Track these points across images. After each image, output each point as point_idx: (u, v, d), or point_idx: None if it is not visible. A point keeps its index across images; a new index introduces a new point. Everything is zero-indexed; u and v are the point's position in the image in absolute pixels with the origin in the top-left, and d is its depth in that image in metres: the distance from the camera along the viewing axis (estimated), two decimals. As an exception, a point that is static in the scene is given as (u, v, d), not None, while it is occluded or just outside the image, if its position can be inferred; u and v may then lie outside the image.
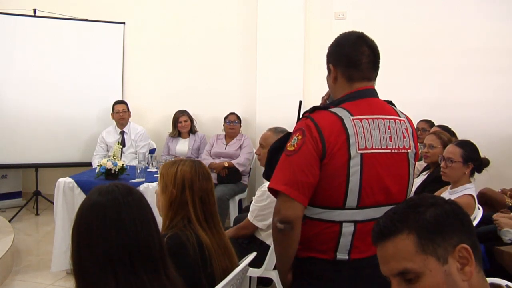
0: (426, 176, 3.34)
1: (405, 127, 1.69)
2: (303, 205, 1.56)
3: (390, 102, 1.76)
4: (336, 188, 1.56)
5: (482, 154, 2.77)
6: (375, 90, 1.71)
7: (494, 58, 4.40)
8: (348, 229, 1.59)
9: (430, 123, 4.17)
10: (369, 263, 1.63)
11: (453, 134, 3.79)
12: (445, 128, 3.78)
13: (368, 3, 4.74)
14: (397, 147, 1.64)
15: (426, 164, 3.47)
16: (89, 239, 1.19)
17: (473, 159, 2.68)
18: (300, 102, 1.80)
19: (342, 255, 1.61)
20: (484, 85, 4.45)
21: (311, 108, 1.64)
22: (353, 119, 1.58)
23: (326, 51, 1.75)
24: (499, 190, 3.66)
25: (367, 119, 1.60)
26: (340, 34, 1.72)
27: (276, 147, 1.77)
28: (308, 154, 1.54)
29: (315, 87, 4.73)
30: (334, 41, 1.73)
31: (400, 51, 4.55)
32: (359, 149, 1.56)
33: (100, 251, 1.17)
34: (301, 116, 1.70)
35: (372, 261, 1.64)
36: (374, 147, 1.59)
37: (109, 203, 1.22)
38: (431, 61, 4.58)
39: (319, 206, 1.59)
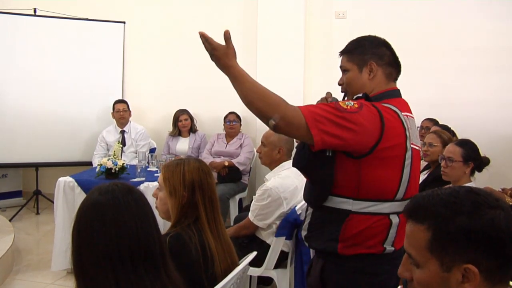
0: (426, 175, 3.34)
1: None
2: (313, 140, 1.47)
3: None
4: (392, 179, 1.61)
5: (482, 153, 2.77)
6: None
7: (494, 57, 4.40)
8: (395, 220, 1.63)
9: (433, 122, 4.18)
10: (401, 254, 1.68)
11: (453, 133, 3.79)
12: (445, 128, 3.78)
13: (369, 2, 4.74)
14: (419, 144, 1.75)
15: (426, 163, 3.47)
16: (90, 238, 1.19)
17: (473, 158, 2.68)
18: (345, 94, 1.80)
19: (389, 247, 1.65)
20: (484, 84, 4.45)
21: (363, 96, 1.64)
22: (403, 115, 1.64)
23: (355, 49, 1.75)
24: (500, 189, 3.65)
25: (407, 116, 1.68)
26: (368, 36, 1.77)
27: None
28: (353, 123, 1.48)
29: (315, 86, 4.73)
30: (367, 40, 1.76)
31: (399, 51, 4.50)
32: (411, 143, 1.63)
33: (100, 250, 1.17)
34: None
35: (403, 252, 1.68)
36: (414, 142, 1.67)
37: (109, 202, 1.22)
38: (431, 61, 4.58)
39: (369, 199, 1.60)
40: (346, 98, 1.78)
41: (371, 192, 1.59)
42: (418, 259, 0.99)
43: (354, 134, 1.49)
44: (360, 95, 1.67)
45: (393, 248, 1.66)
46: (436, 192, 1.02)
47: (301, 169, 1.76)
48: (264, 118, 1.52)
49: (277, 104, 1.51)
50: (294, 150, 1.91)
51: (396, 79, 1.78)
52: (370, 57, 1.72)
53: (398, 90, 1.77)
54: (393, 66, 1.74)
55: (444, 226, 0.96)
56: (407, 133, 1.62)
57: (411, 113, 1.76)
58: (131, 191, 1.27)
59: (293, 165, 1.79)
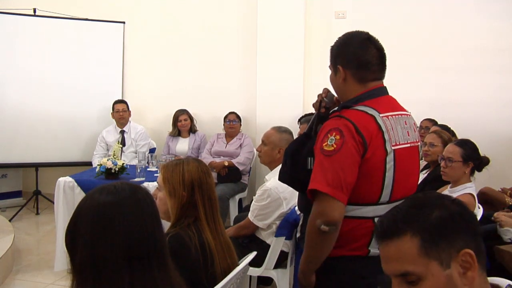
0: (426, 175, 3.35)
1: (413, 122, 1.78)
2: (344, 205, 1.56)
3: None
4: (374, 184, 1.59)
5: (482, 153, 2.77)
6: (386, 88, 1.75)
7: (493, 57, 4.40)
8: None
9: (433, 122, 4.18)
10: None
11: (453, 133, 3.79)
12: (445, 128, 3.78)
13: (369, 2, 4.74)
14: (412, 141, 1.72)
15: (426, 163, 3.47)
16: (108, 238, 1.15)
17: (473, 158, 2.68)
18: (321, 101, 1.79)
19: (374, 249, 1.63)
20: (484, 84, 4.45)
21: (339, 107, 1.66)
22: (382, 116, 1.62)
23: (330, 51, 1.76)
24: (499, 189, 3.65)
25: (391, 116, 1.66)
26: (346, 35, 1.73)
27: (295, 149, 1.75)
28: (349, 154, 1.55)
29: (315, 86, 4.72)
30: (340, 41, 1.73)
31: (399, 50, 4.55)
32: (392, 145, 1.61)
33: (119, 250, 1.15)
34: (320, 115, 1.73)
35: None
36: (400, 143, 1.65)
37: (125, 202, 1.19)
38: (431, 60, 4.58)
39: (352, 203, 1.60)
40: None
41: (353, 197, 1.59)
42: (418, 271, 0.96)
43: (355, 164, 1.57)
44: (336, 108, 1.68)
45: (378, 251, 1.64)
46: (397, 206, 1.05)
47: (286, 183, 1.82)
48: (323, 231, 1.56)
49: (318, 233, 1.57)
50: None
51: (378, 78, 1.71)
52: (339, 60, 1.71)
53: (379, 88, 1.71)
54: (364, 68, 1.67)
55: (428, 224, 0.98)
56: (385, 136, 1.59)
57: (400, 110, 1.72)
58: (140, 189, 1.27)
59: (279, 179, 1.85)
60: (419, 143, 1.78)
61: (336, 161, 1.54)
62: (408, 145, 1.69)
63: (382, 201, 1.62)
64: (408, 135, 1.70)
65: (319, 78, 4.78)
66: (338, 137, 1.55)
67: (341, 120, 1.58)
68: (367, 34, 1.72)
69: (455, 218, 0.98)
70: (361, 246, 1.63)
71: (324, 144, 1.57)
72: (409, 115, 1.78)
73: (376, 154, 1.58)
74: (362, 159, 1.57)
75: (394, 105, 1.72)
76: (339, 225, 1.56)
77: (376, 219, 1.61)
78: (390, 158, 1.60)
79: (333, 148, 1.55)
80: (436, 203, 1.00)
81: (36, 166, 5.23)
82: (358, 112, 1.61)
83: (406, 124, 1.71)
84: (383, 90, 1.73)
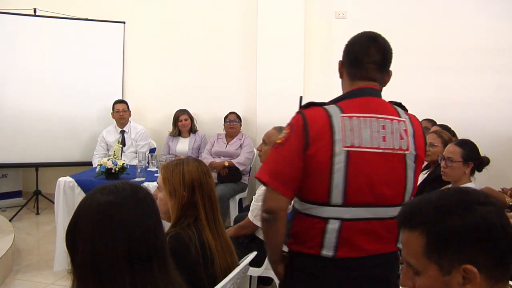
0: (426, 175, 3.34)
1: (404, 128, 1.64)
2: (285, 198, 1.59)
3: (399, 104, 1.74)
4: (320, 184, 1.57)
5: (482, 153, 2.77)
6: (377, 90, 1.69)
7: (493, 57, 4.40)
8: (333, 226, 1.58)
9: (432, 122, 4.17)
10: (359, 265, 1.63)
11: (453, 133, 3.78)
12: (445, 128, 3.78)
13: (369, 2, 4.74)
14: (391, 147, 1.60)
15: (426, 163, 3.47)
16: (109, 239, 1.15)
17: (473, 158, 2.68)
18: (301, 97, 1.82)
19: (327, 251, 1.61)
20: (484, 84, 4.45)
21: (306, 104, 1.67)
22: (342, 116, 1.58)
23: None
24: (500, 189, 3.65)
25: (358, 117, 1.59)
26: (359, 33, 1.75)
27: None
28: (292, 148, 1.58)
29: (315, 86, 4.72)
30: (350, 38, 1.76)
31: (399, 50, 4.48)
32: (344, 146, 1.55)
33: (120, 250, 1.14)
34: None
35: (362, 263, 1.63)
36: (362, 146, 1.57)
37: (126, 201, 1.19)
38: (431, 60, 4.58)
39: (307, 201, 1.62)
40: None
41: (305, 194, 1.61)
42: (417, 267, 0.98)
43: (293, 157, 1.60)
44: (304, 104, 1.70)
45: (330, 253, 1.60)
46: (425, 197, 1.02)
47: None
48: (264, 218, 1.65)
49: (267, 224, 1.67)
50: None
51: (368, 78, 1.66)
52: (342, 55, 1.75)
53: (363, 88, 1.65)
54: (354, 65, 1.67)
55: (438, 230, 0.96)
56: (336, 136, 1.55)
57: (382, 114, 1.62)
58: (141, 189, 1.27)
59: None
60: (406, 152, 1.62)
61: (280, 154, 1.60)
62: (380, 150, 1.58)
63: (334, 202, 1.57)
64: (384, 140, 1.59)
65: (319, 78, 4.78)
66: (288, 131, 1.60)
67: (297, 115, 1.62)
68: (373, 34, 1.70)
69: (470, 232, 0.94)
70: (314, 245, 1.62)
71: (278, 137, 1.64)
72: (400, 120, 1.64)
73: (321, 152, 1.55)
74: (305, 155, 1.56)
75: (372, 107, 1.62)
76: (278, 215, 1.59)
77: (330, 220, 1.58)
78: (339, 159, 1.54)
79: (280, 141, 1.61)
80: (460, 211, 0.95)
81: (36, 166, 5.24)
82: (317, 110, 1.61)
83: (384, 128, 1.60)
84: (366, 91, 1.65)
